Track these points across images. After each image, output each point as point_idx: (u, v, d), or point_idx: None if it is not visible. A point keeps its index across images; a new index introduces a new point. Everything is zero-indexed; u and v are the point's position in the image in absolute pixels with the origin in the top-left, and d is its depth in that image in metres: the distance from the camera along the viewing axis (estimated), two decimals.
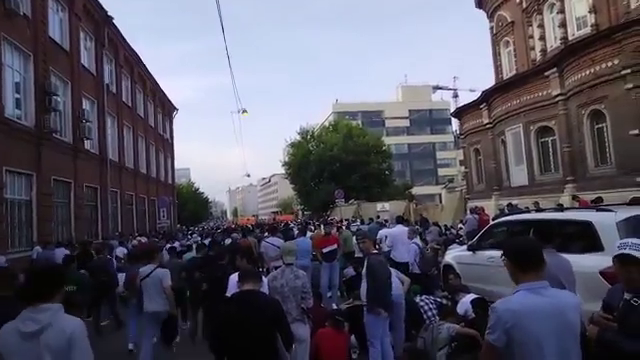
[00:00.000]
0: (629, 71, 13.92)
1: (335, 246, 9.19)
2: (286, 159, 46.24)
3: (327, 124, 54.47)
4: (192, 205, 55.81)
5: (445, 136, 76.13)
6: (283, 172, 49.21)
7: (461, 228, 16.18)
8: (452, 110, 42.62)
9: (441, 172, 72.68)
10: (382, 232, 8.44)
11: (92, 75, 19.85)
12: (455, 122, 43.42)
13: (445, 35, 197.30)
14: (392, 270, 5.49)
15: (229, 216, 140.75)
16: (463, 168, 29.13)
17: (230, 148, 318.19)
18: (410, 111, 75.77)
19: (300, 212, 56.84)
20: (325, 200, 38.03)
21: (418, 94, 75.75)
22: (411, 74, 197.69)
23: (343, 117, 60.15)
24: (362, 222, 18.42)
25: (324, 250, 9.00)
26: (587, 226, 5.52)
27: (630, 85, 13.95)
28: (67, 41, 17.27)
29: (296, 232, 11.28)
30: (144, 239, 15.92)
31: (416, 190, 51.68)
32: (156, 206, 28.04)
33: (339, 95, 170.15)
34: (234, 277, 4.60)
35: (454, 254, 8.99)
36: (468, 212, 16.19)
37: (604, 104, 15.18)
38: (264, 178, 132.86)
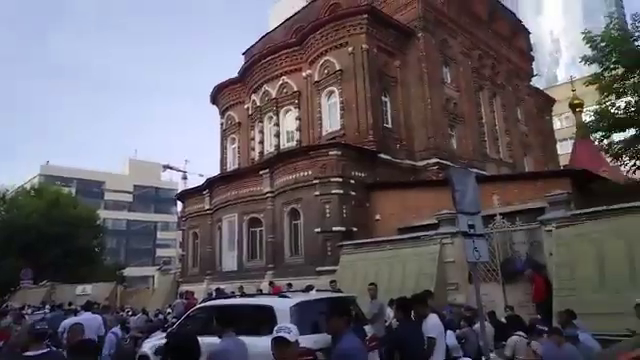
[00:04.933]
0: (318, 181, 17.60)
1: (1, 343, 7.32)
2: None
3: (29, 187, 45.83)
4: None
5: (169, 216, 74.92)
6: None
7: (169, 313, 15.69)
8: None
9: (160, 253, 69.90)
10: (66, 322, 7.33)
11: None
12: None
13: (184, 118, 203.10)
14: None
15: None
16: (181, 250, 29.07)
17: None
18: (135, 186, 72.00)
19: None
20: (8, 280, 30.54)
21: (147, 170, 73.29)
22: (142, 150, 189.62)
23: (53, 182, 51.95)
24: (52, 309, 15.46)
25: None
26: (268, 310, 6.33)
27: (318, 192, 17.53)
28: None
29: None
30: None
31: (130, 271, 47.69)
32: None
33: (51, 157, 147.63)
34: None
35: (152, 343, 8.53)
36: (178, 296, 15.97)
37: (300, 204, 18.44)
38: None
